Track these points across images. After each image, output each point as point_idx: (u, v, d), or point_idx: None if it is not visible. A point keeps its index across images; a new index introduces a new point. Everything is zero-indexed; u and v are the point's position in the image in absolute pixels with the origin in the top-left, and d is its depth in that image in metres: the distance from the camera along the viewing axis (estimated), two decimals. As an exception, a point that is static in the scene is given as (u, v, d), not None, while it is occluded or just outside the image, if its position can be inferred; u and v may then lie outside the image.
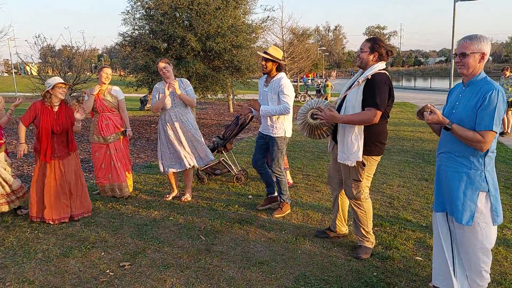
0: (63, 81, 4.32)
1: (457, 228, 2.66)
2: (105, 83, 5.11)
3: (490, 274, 2.68)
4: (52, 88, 4.27)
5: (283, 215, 4.64)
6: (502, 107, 2.42)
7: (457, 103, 2.63)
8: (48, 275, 3.30)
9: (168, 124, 4.95)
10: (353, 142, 3.36)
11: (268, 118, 4.45)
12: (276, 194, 4.87)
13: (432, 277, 2.96)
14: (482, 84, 2.51)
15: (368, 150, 3.40)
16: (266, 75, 4.52)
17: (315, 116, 3.44)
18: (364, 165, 3.43)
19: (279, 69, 4.42)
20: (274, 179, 4.72)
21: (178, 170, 5.10)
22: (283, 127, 4.45)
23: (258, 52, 4.69)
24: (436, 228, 2.85)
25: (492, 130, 2.43)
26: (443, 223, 2.78)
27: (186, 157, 5.01)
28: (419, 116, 2.71)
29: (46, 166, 4.39)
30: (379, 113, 3.26)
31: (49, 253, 3.70)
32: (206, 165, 6.14)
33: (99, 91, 5.11)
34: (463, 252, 2.67)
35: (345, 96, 3.48)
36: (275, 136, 4.46)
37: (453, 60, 14.01)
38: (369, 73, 3.30)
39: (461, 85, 2.67)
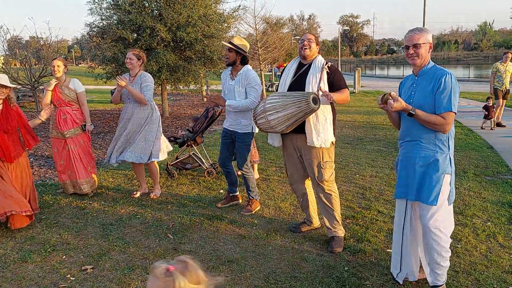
0: (3, 84, 4.04)
1: (422, 211, 2.73)
2: (57, 76, 4.85)
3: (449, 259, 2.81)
4: None
5: (252, 212, 4.52)
6: (457, 89, 2.60)
7: (412, 92, 2.76)
8: (4, 283, 3.11)
9: (120, 117, 4.91)
10: (327, 124, 3.47)
11: (235, 113, 4.27)
12: (237, 193, 4.74)
13: (390, 266, 3.03)
14: (434, 71, 2.67)
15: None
16: (230, 68, 4.32)
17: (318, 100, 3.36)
18: (333, 144, 3.59)
19: (244, 61, 4.24)
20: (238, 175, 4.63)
21: (116, 164, 4.90)
22: (251, 123, 4.29)
23: (222, 42, 4.54)
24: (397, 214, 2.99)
25: (452, 111, 2.58)
26: (402, 209, 2.89)
27: (126, 152, 4.81)
28: (381, 103, 2.73)
29: None
30: None
31: (6, 258, 3.49)
32: (175, 161, 5.98)
33: (56, 84, 4.87)
34: (425, 237, 2.75)
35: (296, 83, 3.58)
36: (242, 132, 4.29)
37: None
38: (323, 61, 3.58)
39: (412, 76, 2.82)
